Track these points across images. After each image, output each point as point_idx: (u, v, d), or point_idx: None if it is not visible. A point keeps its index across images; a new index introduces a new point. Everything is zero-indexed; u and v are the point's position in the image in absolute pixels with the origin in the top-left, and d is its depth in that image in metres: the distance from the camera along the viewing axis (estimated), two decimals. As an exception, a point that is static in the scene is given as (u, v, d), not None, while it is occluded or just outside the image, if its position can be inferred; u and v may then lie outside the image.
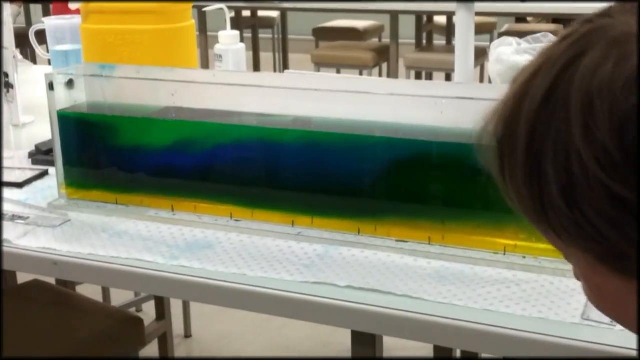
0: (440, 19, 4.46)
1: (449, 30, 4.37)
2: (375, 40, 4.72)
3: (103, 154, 1.07)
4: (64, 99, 1.06)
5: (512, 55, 1.16)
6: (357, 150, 0.94)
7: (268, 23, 5.11)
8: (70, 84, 1.06)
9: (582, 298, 0.83)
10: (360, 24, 4.63)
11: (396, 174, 0.93)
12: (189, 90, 1.06)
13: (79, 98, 1.08)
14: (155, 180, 1.04)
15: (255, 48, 4.91)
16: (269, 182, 0.99)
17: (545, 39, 1.22)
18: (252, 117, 1.01)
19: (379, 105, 0.94)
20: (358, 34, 4.52)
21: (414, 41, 4.44)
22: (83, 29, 1.35)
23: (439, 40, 4.64)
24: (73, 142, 1.07)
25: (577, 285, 0.86)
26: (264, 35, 5.21)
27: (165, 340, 2.04)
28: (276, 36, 5.18)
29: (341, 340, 2.21)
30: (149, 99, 1.06)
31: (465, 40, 1.20)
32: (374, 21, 4.70)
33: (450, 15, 4.09)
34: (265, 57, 5.18)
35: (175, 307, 2.14)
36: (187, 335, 2.26)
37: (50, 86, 1.03)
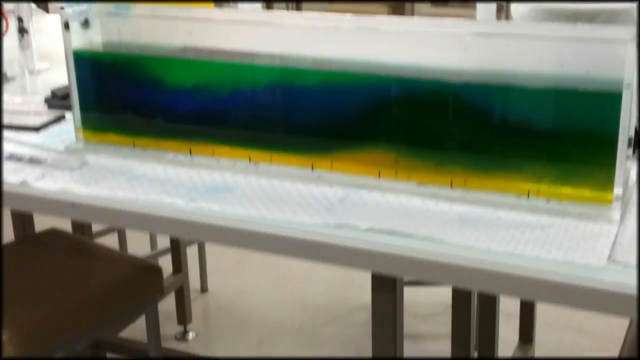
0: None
1: (466, -13, 4.29)
2: (390, -4, 4.64)
3: (119, 96, 1.05)
4: (80, 40, 1.04)
5: (537, -3, 1.13)
6: (378, 92, 0.92)
7: (282, -21, 5.03)
8: (85, 24, 1.04)
9: (608, 241, 0.81)
10: (376, -20, 4.55)
11: (417, 116, 0.92)
12: (206, 30, 1.03)
13: (94, 39, 1.06)
14: (172, 123, 1.03)
15: (268, 4, 4.85)
16: (288, 125, 0.98)
17: (570, -18, 1.19)
18: (270, 58, 0.99)
19: (401, 45, 0.92)
20: (373, -10, 4.44)
21: (430, -3, 4.37)
22: (97, -26, 1.32)
23: (456, -3, 4.56)
24: (89, 84, 1.05)
25: (602, 229, 0.84)
26: (278, -8, 5.14)
27: (182, 293, 2.05)
28: (290, -7, 5.11)
29: (358, 296, 2.21)
30: (166, 39, 1.04)
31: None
32: (389, -23, 4.62)
33: (468, -30, 4.01)
34: (279, 14, 5.12)
35: (192, 262, 2.14)
36: (204, 289, 2.28)
37: (66, 25, 1.01)
